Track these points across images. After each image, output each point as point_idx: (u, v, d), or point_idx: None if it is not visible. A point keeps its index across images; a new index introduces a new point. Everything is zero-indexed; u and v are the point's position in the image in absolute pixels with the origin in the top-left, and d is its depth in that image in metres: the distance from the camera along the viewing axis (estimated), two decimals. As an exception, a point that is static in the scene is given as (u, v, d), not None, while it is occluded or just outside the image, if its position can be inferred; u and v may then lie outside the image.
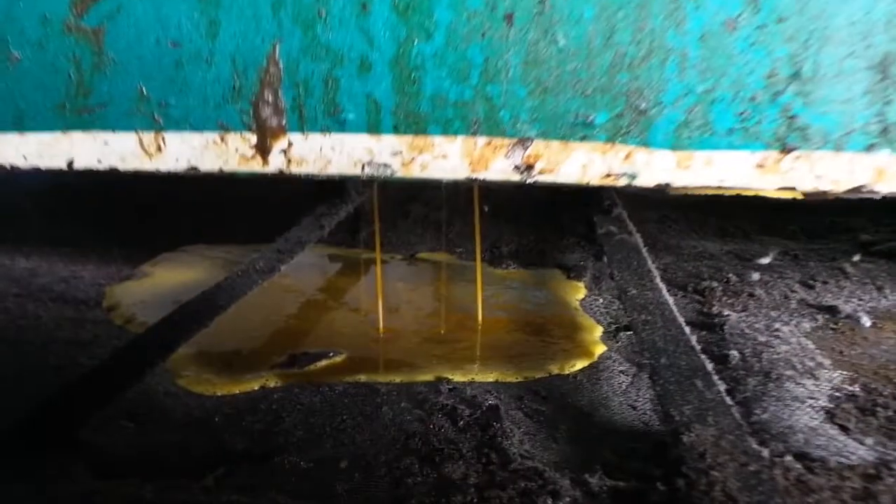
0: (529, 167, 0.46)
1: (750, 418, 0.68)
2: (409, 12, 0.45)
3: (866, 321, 0.95)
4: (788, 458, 0.55)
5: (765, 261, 1.21)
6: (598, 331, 0.99)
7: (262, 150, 0.48)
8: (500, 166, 0.46)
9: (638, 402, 0.78)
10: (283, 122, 0.47)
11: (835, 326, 0.95)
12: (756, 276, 1.12)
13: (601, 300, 1.11)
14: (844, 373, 0.80)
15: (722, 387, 0.65)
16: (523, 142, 0.45)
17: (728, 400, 0.63)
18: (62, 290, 1.10)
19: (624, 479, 0.55)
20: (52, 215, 1.47)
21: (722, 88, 0.43)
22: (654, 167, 0.45)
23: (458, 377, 0.83)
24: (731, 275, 1.13)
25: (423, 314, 1.06)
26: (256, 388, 0.80)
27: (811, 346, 0.88)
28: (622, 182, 0.45)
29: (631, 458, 0.65)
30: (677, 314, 0.85)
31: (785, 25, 0.42)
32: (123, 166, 0.50)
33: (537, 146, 0.45)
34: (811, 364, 0.82)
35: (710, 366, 0.70)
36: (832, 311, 0.99)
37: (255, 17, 0.46)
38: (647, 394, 0.80)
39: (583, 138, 0.45)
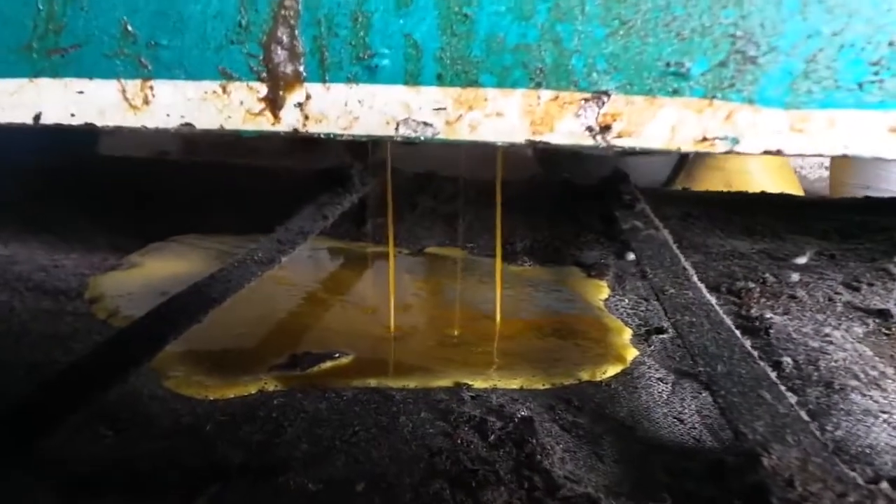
0: (605, 128, 0.37)
1: (823, 436, 0.60)
2: (460, -69, 0.36)
3: (922, 327, 0.87)
4: (885, 485, 0.46)
5: (801, 261, 1.12)
6: (627, 333, 0.91)
7: (274, 103, 0.39)
8: (569, 127, 0.37)
9: (684, 414, 0.69)
10: (301, 69, 0.38)
11: (888, 332, 0.86)
12: (795, 276, 1.04)
13: (626, 300, 1.03)
14: (912, 384, 0.72)
15: (793, 399, 0.57)
16: (599, 97, 0.36)
17: (804, 415, 0.54)
18: (41, 279, 1.01)
19: (695, 509, 0.46)
20: (33, 200, 1.37)
21: (853, 31, 0.34)
22: (761, 129, 0.36)
23: (479, 383, 0.74)
24: (767, 275, 1.05)
25: (436, 313, 0.98)
26: (254, 391, 0.71)
27: (869, 352, 0.79)
28: (721, 148, 0.36)
29: (688, 478, 0.56)
30: (724, 316, 0.76)
31: (936, -49, 0.33)
32: (102, 121, 0.41)
33: (616, 102, 0.37)
34: (874, 374, 0.73)
35: (772, 375, 0.62)
36: (884, 315, 0.90)
37: (267, -64, 0.37)
38: (693, 405, 0.71)
39: (674, 93, 0.36)
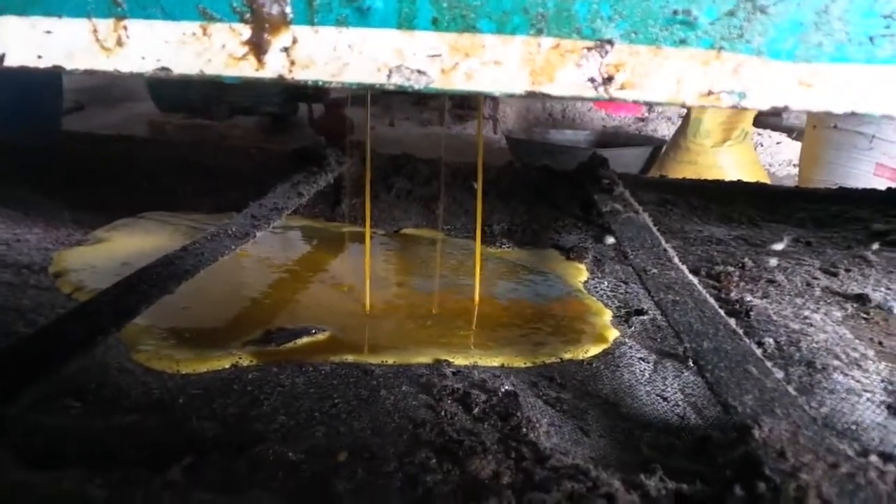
0: (608, 79, 0.35)
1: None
2: None
3: (899, 311, 0.87)
4: (874, 457, 0.45)
5: (779, 247, 1.13)
6: (608, 315, 0.90)
7: (257, 47, 0.37)
8: (571, 78, 0.36)
9: (667, 392, 0.68)
10: (287, 10, 0.36)
11: (866, 316, 0.87)
12: (773, 261, 1.04)
13: (606, 283, 1.02)
14: (891, 364, 0.72)
15: (780, 374, 0.56)
16: (602, 45, 0.35)
17: (792, 389, 0.53)
18: (2, 252, 0.97)
19: (685, 481, 0.45)
20: (-5, 174, 1.32)
21: (866, -20, 0.33)
22: (769, 84, 0.35)
23: (459, 360, 0.73)
24: (745, 260, 1.05)
25: (413, 292, 0.96)
26: (227, 366, 0.69)
27: (849, 335, 0.79)
28: (727, 102, 0.35)
29: (674, 454, 0.55)
30: (707, 295, 0.76)
31: None
32: (71, 64, 0.38)
33: (620, 52, 0.35)
34: (855, 355, 0.73)
35: (758, 351, 0.61)
36: (861, 299, 0.91)
37: None
38: (676, 383, 0.70)
39: (680, 43, 0.35)
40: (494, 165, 1.46)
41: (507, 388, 0.61)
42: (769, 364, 0.59)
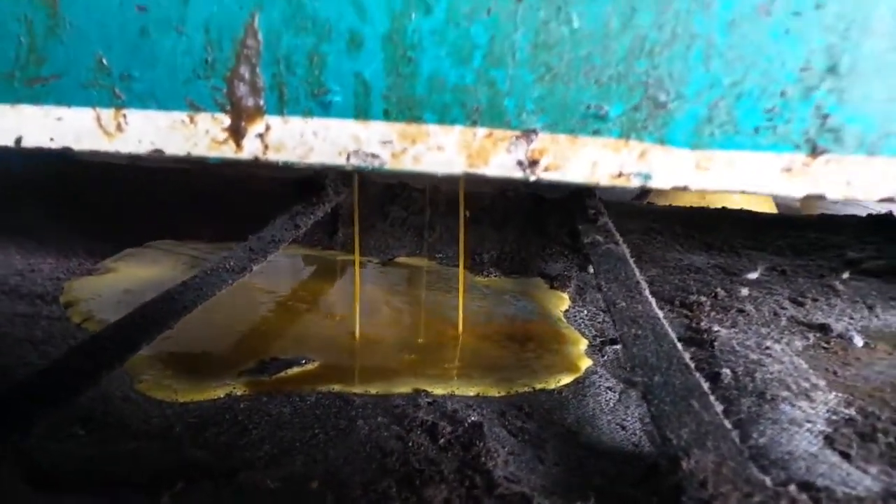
0: (534, 163, 0.41)
1: (747, 442, 0.64)
2: (406, -16, 0.40)
3: (858, 341, 0.92)
4: (793, 488, 0.50)
5: (752, 276, 1.18)
6: (584, 344, 0.95)
7: (236, 133, 0.43)
8: (501, 161, 0.42)
9: (626, 421, 0.74)
10: (261, 102, 0.42)
11: (826, 346, 0.92)
12: (745, 291, 1.09)
13: (586, 312, 1.07)
14: (840, 395, 0.77)
15: (720, 408, 0.61)
16: (528, 134, 0.41)
17: (727, 423, 0.59)
18: (17, 283, 1.03)
19: (621, 508, 0.51)
20: (10, 206, 1.40)
21: (750, 81, 0.39)
22: (670, 167, 0.40)
23: (438, 390, 0.78)
24: (719, 289, 1.10)
25: (401, 321, 1.01)
26: (222, 395, 0.75)
27: (804, 365, 0.84)
28: (635, 182, 0.41)
29: (621, 482, 0.61)
30: (669, 329, 0.81)
31: (823, 13, 0.38)
32: (79, 146, 0.44)
33: (543, 140, 0.41)
34: (806, 385, 0.78)
35: (705, 385, 0.66)
36: (824, 329, 0.96)
37: (233, -17, 0.41)
38: (636, 412, 0.76)
39: (594, 133, 0.40)
40: (489, 193, 1.52)
41: (473, 419, 0.66)
42: (720, 396, 0.64)
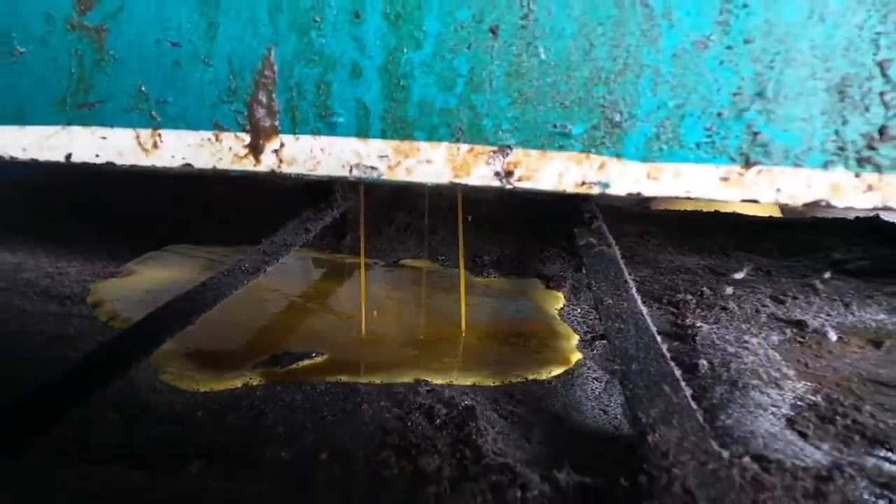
0: (509, 174, 0.48)
1: (715, 423, 0.71)
2: (399, 22, 0.47)
3: (832, 335, 0.98)
4: (746, 459, 0.57)
5: (739, 276, 1.24)
6: (575, 339, 1.02)
7: (255, 149, 0.50)
8: (482, 172, 0.49)
9: (609, 407, 0.80)
10: (276, 123, 0.50)
11: (802, 340, 0.98)
12: (729, 290, 1.16)
13: (579, 310, 1.14)
14: (808, 383, 0.83)
15: (688, 392, 0.68)
16: (504, 150, 0.48)
17: (693, 404, 0.65)
18: (47, 285, 1.11)
19: (591, 476, 0.57)
20: (36, 212, 1.48)
21: (691, 104, 0.46)
22: (625, 177, 0.47)
23: (437, 380, 0.85)
24: (705, 288, 1.16)
25: (405, 318, 1.08)
26: (239, 385, 0.82)
27: (778, 357, 0.91)
28: (595, 190, 0.48)
29: (599, 458, 0.67)
30: (650, 324, 0.87)
31: (751, 47, 0.45)
32: (120, 161, 0.52)
33: (517, 154, 0.48)
34: (776, 374, 0.85)
35: (678, 373, 0.73)
36: (800, 325, 1.02)
37: (252, 20, 0.48)
38: (619, 399, 0.82)
39: (560, 148, 0.47)
40: (489, 198, 1.59)
41: (467, 403, 0.73)
42: (695, 384, 0.71)
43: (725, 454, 0.58)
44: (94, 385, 0.69)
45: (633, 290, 1.00)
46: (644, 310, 0.93)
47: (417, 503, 0.51)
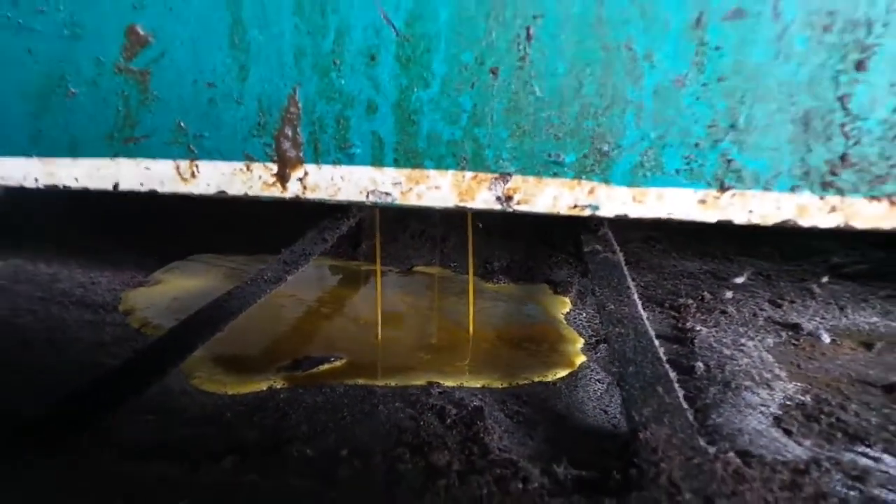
0: (509, 198, 0.54)
1: (706, 422, 0.76)
2: (410, 64, 0.53)
3: (826, 338, 1.03)
4: (731, 454, 0.62)
5: (739, 280, 1.29)
6: (580, 342, 1.07)
7: (282, 178, 0.56)
8: (485, 197, 0.54)
9: (609, 407, 0.86)
10: (301, 154, 0.55)
11: (796, 342, 1.03)
12: (729, 294, 1.20)
13: (584, 314, 1.19)
14: (799, 384, 0.88)
15: (681, 393, 0.73)
16: (504, 177, 0.53)
17: (684, 404, 0.71)
18: (81, 294, 1.18)
19: (587, 470, 0.63)
20: (69, 226, 1.55)
21: (671, 136, 0.51)
22: (613, 201, 0.53)
23: (448, 382, 0.91)
24: (706, 293, 1.21)
25: (418, 323, 1.14)
26: (264, 388, 0.88)
27: (771, 359, 0.96)
28: (587, 213, 0.53)
29: (597, 454, 0.73)
30: (649, 328, 0.93)
31: (724, 84, 0.50)
32: (162, 189, 0.58)
33: (516, 180, 0.53)
34: (769, 376, 0.90)
35: (674, 375, 0.78)
36: (795, 328, 1.07)
37: (279, 64, 0.54)
38: (619, 400, 0.87)
39: (554, 175, 0.53)
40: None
41: (476, 404, 0.79)
42: (692, 385, 0.76)
43: (711, 450, 0.63)
44: (136, 388, 0.76)
45: (635, 296, 1.05)
46: (644, 315, 0.98)
47: (430, 494, 0.56)
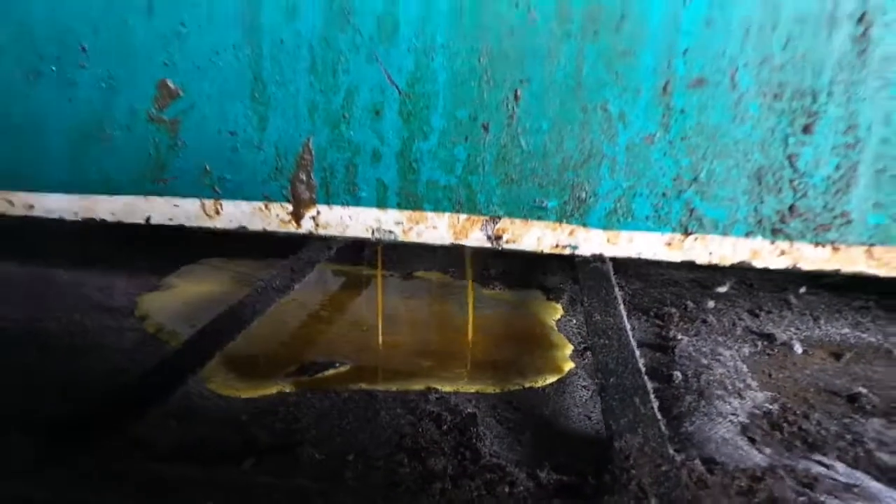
0: (498, 237, 0.61)
1: (679, 429, 0.83)
2: (411, 118, 0.60)
3: (798, 348, 1.10)
4: (697, 462, 0.70)
5: (722, 289, 1.36)
6: (569, 349, 1.14)
7: (297, 216, 0.63)
8: (477, 236, 0.61)
9: (593, 413, 0.93)
10: (314, 196, 0.62)
11: (770, 352, 1.10)
12: (711, 303, 1.28)
13: (574, 321, 1.26)
14: (768, 393, 0.95)
15: (657, 404, 0.81)
16: (494, 219, 0.60)
17: (658, 415, 0.78)
18: (99, 299, 1.25)
19: (567, 475, 0.70)
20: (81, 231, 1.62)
21: (641, 186, 0.58)
22: (590, 241, 0.60)
23: (445, 388, 0.98)
24: (689, 302, 1.28)
25: (418, 329, 1.21)
26: (275, 392, 0.95)
27: (745, 369, 1.03)
28: (567, 251, 0.60)
29: (578, 459, 0.80)
30: (632, 340, 1.00)
31: (688, 142, 0.57)
32: (188, 224, 0.65)
33: (504, 222, 0.60)
34: (741, 385, 0.97)
35: (651, 385, 0.85)
36: (770, 338, 1.14)
37: (295, 116, 0.61)
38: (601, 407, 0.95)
39: (539, 217, 0.60)
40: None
41: (470, 410, 0.86)
42: (665, 395, 0.83)
43: (679, 458, 0.70)
44: (161, 394, 0.83)
45: (621, 307, 1.12)
46: (628, 326, 1.05)
47: (426, 497, 0.64)
